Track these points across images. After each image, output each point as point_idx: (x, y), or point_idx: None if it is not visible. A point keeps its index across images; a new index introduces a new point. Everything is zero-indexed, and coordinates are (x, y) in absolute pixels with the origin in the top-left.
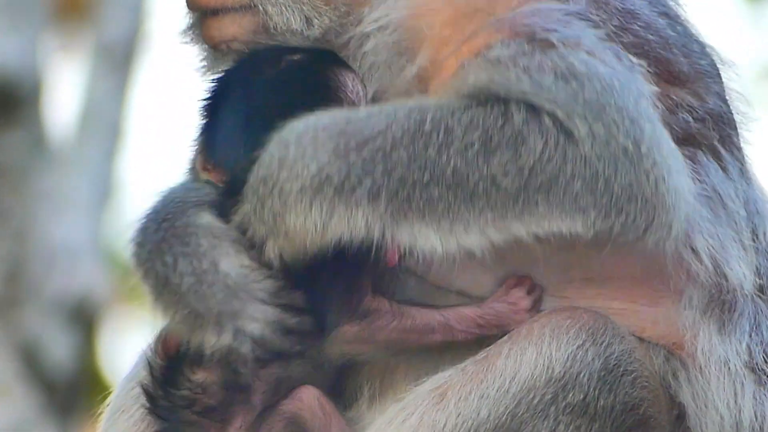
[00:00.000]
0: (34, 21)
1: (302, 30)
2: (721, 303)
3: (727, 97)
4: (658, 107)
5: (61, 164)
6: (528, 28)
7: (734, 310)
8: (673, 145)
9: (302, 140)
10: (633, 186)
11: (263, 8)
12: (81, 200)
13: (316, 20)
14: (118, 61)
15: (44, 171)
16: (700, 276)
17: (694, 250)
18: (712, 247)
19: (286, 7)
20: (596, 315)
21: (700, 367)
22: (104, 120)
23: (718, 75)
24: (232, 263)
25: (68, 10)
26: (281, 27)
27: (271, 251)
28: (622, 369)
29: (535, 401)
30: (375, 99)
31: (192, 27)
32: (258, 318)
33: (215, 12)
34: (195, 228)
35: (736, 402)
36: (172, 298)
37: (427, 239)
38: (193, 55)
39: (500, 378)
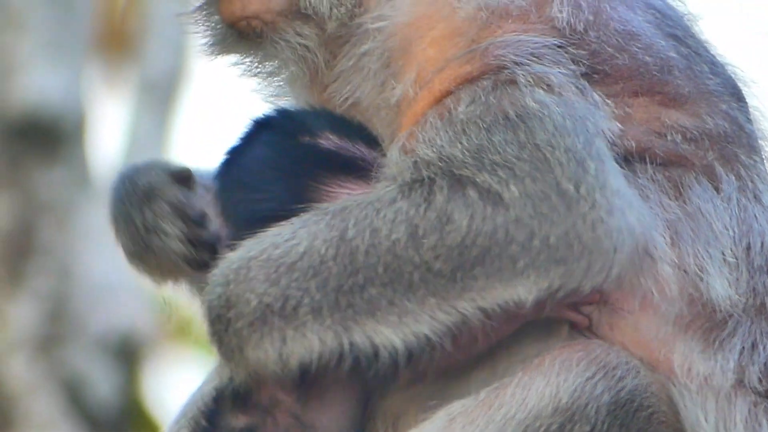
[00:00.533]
0: (77, 57)
1: (325, 15)
2: (706, 321)
3: (739, 117)
4: (620, 145)
5: (105, 201)
6: (498, 60)
7: (723, 329)
8: (622, 184)
9: (239, 275)
10: (569, 233)
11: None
12: None
13: (335, 9)
14: (160, 97)
15: (88, 207)
16: (669, 294)
17: (657, 272)
18: (688, 266)
19: None
20: (611, 349)
21: (682, 385)
22: (147, 156)
23: (731, 93)
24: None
25: (111, 46)
26: (311, 11)
27: (229, 377)
28: (636, 404)
29: (541, 430)
30: (351, 106)
31: (207, 4)
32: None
33: None
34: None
35: (724, 421)
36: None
37: (382, 337)
38: (202, 35)
39: (507, 405)
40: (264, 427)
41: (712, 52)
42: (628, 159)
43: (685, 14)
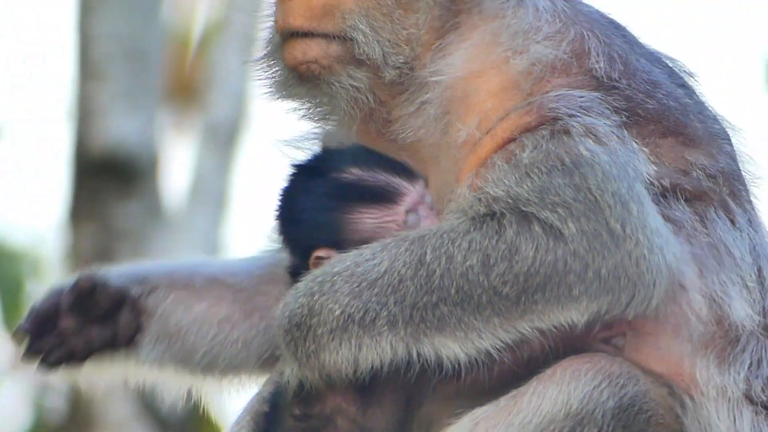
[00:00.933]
0: (151, 104)
1: (380, 62)
2: (722, 339)
3: (737, 158)
4: (657, 184)
5: (174, 230)
6: (553, 112)
7: (736, 345)
8: (659, 223)
9: (323, 287)
10: (618, 267)
11: (353, 36)
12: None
13: (391, 57)
14: (223, 139)
15: (159, 235)
16: (699, 318)
17: (688, 302)
18: (715, 293)
19: (371, 38)
20: (614, 360)
21: (701, 396)
22: (211, 191)
23: (729, 138)
24: None
25: (180, 94)
26: (364, 56)
27: (298, 380)
28: (636, 408)
29: None
30: (412, 145)
31: (272, 50)
32: None
33: (304, 34)
34: None
35: (735, 428)
36: None
37: (448, 350)
38: (265, 81)
39: (525, 411)
40: (324, 431)
41: (708, 103)
42: (663, 195)
43: (685, 69)
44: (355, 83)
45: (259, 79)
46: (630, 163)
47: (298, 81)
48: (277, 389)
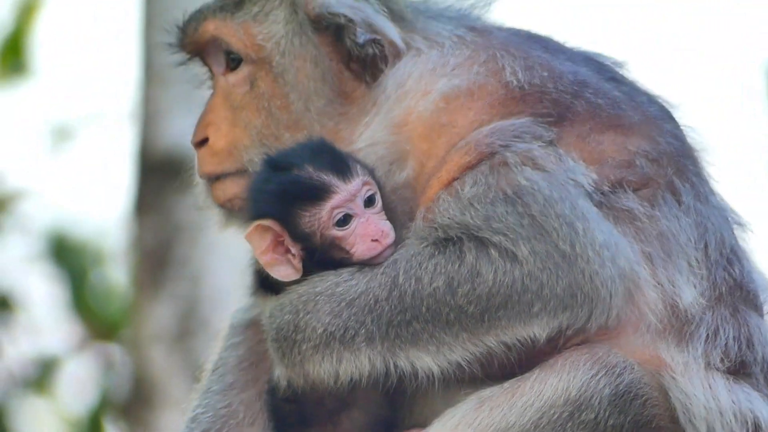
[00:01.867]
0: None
1: None
2: (676, 322)
3: (679, 133)
4: (603, 185)
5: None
6: (488, 147)
7: (690, 324)
8: (606, 233)
9: (307, 306)
10: (572, 285)
11: (254, 170)
12: (243, 251)
13: None
14: None
15: (214, 228)
16: (651, 309)
17: (644, 298)
18: (662, 284)
19: None
20: (611, 351)
21: (673, 372)
22: None
23: (669, 116)
24: None
25: None
26: None
27: (286, 380)
28: (632, 394)
29: (555, 416)
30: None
31: (206, 193)
32: None
33: (218, 177)
34: None
35: (712, 395)
36: None
37: (422, 362)
38: (212, 218)
39: (527, 395)
40: (313, 409)
41: (643, 87)
42: (612, 190)
43: (614, 61)
44: None
45: (208, 217)
46: (569, 182)
47: (229, 215)
48: (272, 377)
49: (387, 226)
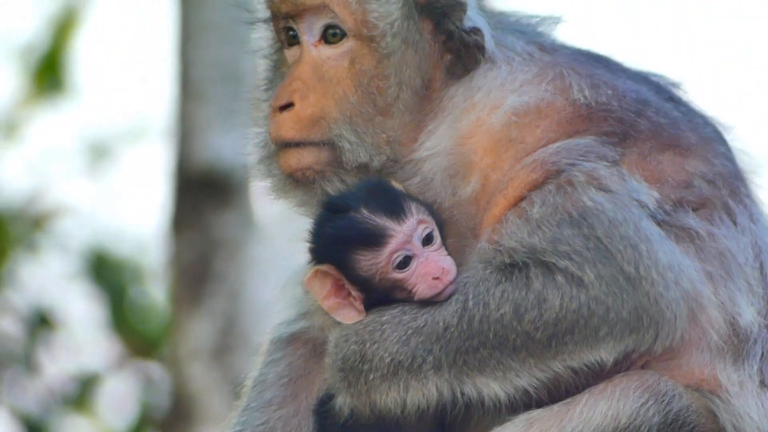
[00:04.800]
0: (245, 123)
1: (367, 163)
2: (735, 341)
3: (731, 155)
4: (665, 204)
5: (267, 238)
6: (555, 165)
7: (747, 342)
8: (670, 254)
9: (374, 336)
10: (638, 308)
11: (339, 144)
12: (282, 267)
13: (376, 157)
14: None
15: (252, 243)
16: (714, 327)
17: (707, 317)
18: (723, 303)
19: (356, 145)
20: (661, 379)
21: (726, 394)
22: None
23: (722, 138)
24: None
25: None
26: (352, 162)
27: (350, 408)
28: (680, 422)
29: None
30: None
31: (268, 158)
32: None
33: (297, 144)
34: None
35: (765, 414)
36: None
37: (489, 388)
38: (265, 183)
39: (576, 420)
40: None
41: (698, 108)
42: (674, 209)
43: (671, 81)
44: (345, 185)
45: (260, 181)
46: (633, 202)
47: (295, 185)
48: (324, 399)
49: (447, 262)
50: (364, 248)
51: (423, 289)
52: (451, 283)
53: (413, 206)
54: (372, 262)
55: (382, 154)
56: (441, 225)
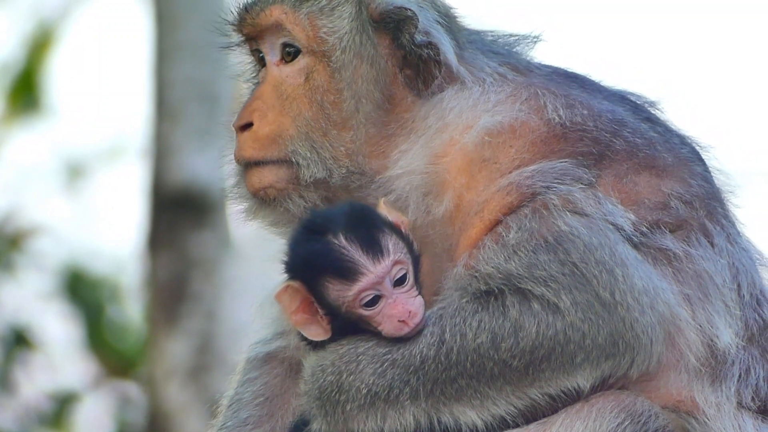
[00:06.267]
0: (221, 143)
1: (326, 178)
2: (713, 362)
3: (709, 176)
4: (641, 226)
5: (243, 257)
6: (530, 189)
7: (724, 363)
8: (646, 277)
9: (350, 367)
10: (614, 334)
11: (295, 160)
12: (258, 287)
13: (335, 171)
14: None
15: (229, 263)
16: (691, 350)
17: (684, 339)
18: (701, 325)
19: (311, 161)
20: (638, 399)
21: (703, 416)
22: None
23: (699, 158)
24: None
25: None
26: (309, 178)
27: None
28: None
29: None
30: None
31: (237, 179)
32: None
33: (257, 163)
34: None
35: None
36: None
37: (466, 416)
38: (237, 207)
39: None
40: None
41: (675, 128)
42: (651, 231)
43: (648, 101)
44: (307, 202)
45: (233, 206)
46: (608, 226)
47: (261, 205)
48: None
49: (415, 305)
50: (333, 279)
51: (388, 329)
52: (417, 325)
53: (391, 244)
54: (340, 294)
55: (342, 167)
56: (417, 260)
